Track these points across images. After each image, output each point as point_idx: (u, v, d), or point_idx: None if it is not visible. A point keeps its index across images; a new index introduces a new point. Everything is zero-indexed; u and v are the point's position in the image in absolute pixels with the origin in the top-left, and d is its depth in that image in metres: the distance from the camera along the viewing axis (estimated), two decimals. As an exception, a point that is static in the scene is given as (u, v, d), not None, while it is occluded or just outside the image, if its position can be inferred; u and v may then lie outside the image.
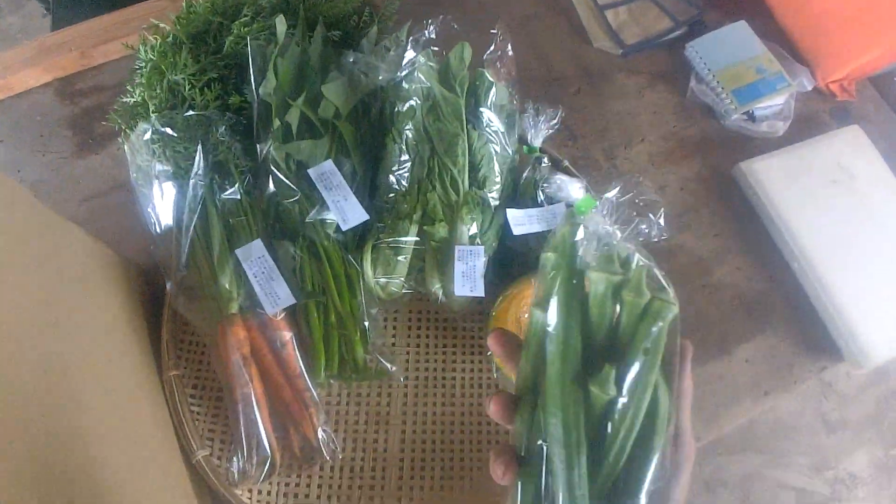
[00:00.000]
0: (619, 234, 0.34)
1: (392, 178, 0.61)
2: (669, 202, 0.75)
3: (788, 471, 1.43)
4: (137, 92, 0.65)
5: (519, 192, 0.64)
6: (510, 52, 0.65)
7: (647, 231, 0.58)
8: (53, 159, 0.78)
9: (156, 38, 0.67)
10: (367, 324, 0.60)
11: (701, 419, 0.65)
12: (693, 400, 0.62)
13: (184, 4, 0.70)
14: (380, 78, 0.65)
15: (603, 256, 0.32)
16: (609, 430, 0.31)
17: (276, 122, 0.62)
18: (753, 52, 0.80)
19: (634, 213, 0.59)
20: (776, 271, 0.73)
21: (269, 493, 0.57)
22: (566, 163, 0.69)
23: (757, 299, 0.72)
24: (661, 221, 0.58)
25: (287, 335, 0.59)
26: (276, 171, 0.60)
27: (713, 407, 0.66)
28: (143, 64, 0.67)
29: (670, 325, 0.31)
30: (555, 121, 0.65)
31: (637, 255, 0.33)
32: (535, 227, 0.61)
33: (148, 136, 0.60)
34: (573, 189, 0.49)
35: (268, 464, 0.56)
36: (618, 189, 0.59)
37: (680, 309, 0.62)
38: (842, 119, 0.83)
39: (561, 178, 0.43)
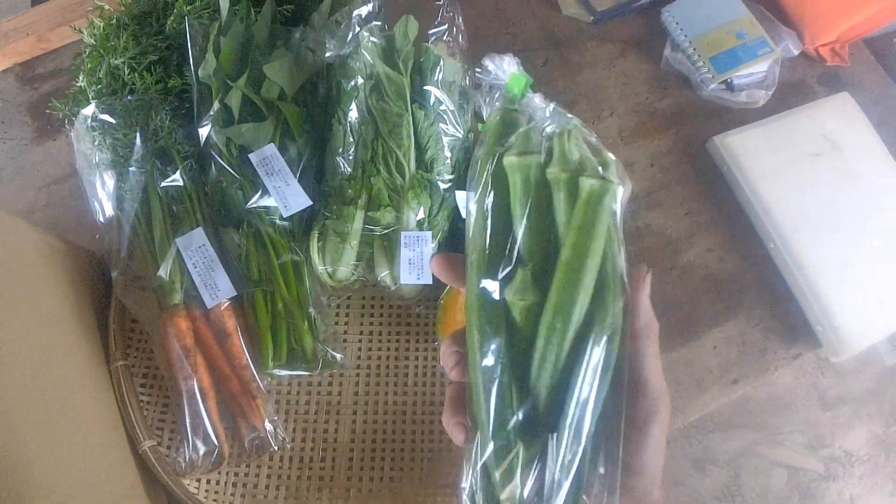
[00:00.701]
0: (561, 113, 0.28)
1: (338, 162, 0.59)
2: (638, 179, 0.71)
3: (782, 448, 1.41)
4: (81, 77, 0.64)
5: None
6: (461, 24, 0.62)
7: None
8: (13, 146, 0.77)
9: (101, 21, 0.65)
10: (314, 312, 0.59)
11: (666, 405, 0.63)
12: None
13: (129, -17, 0.67)
14: (327, 55, 0.62)
15: (521, 135, 0.27)
16: (537, 346, 0.26)
17: (217, 105, 0.59)
18: (734, 15, 0.75)
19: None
20: (750, 252, 0.69)
21: (217, 482, 0.57)
22: (523, 141, 0.66)
23: (728, 282, 0.69)
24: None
25: (233, 325, 0.58)
26: (216, 156, 0.59)
27: (679, 394, 0.64)
28: (89, 49, 0.65)
29: (607, 206, 0.26)
30: (509, 97, 0.62)
31: (569, 123, 0.27)
32: (485, 211, 0.58)
33: (88, 123, 0.59)
34: (505, 65, 0.34)
35: (216, 454, 0.56)
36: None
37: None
38: (831, 86, 0.78)
39: (493, 56, 0.31)
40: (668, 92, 0.76)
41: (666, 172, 0.72)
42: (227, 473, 0.58)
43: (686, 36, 0.75)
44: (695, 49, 0.74)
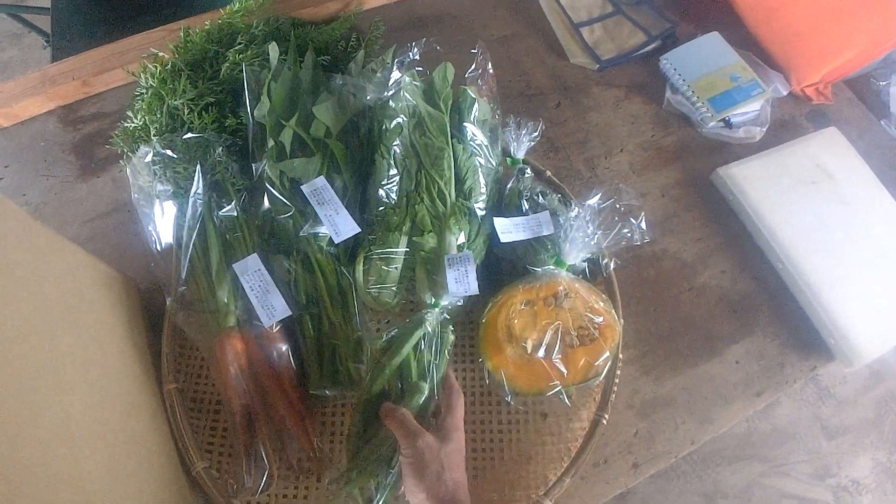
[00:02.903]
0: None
1: (381, 192, 0.64)
2: (651, 209, 0.77)
3: (790, 479, 1.42)
4: (139, 117, 0.68)
5: (504, 202, 0.67)
6: (490, 70, 0.68)
7: (629, 235, 0.61)
8: (57, 183, 0.80)
9: (155, 66, 0.70)
10: (360, 334, 0.62)
11: (695, 420, 0.67)
12: (684, 402, 0.66)
13: (181, 34, 0.73)
14: (367, 98, 0.68)
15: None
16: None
17: (271, 142, 0.64)
18: (727, 61, 0.83)
19: (616, 218, 0.61)
20: (760, 272, 0.75)
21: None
22: (549, 173, 0.71)
23: (743, 301, 0.73)
24: (643, 225, 0.60)
25: (282, 347, 0.60)
26: (270, 188, 0.63)
27: (706, 409, 0.67)
28: (144, 90, 0.70)
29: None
30: (536, 133, 0.68)
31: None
32: (521, 235, 0.63)
33: (149, 158, 0.63)
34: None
35: (265, 476, 0.57)
36: (599, 196, 0.62)
37: (667, 312, 0.71)
38: (819, 122, 0.86)
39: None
40: (671, 130, 0.83)
41: (676, 202, 0.78)
42: (275, 495, 0.59)
43: (684, 80, 0.83)
44: (693, 91, 0.82)
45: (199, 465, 0.57)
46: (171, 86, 0.67)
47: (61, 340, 0.47)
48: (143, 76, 0.70)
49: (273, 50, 0.69)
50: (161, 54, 0.73)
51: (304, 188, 0.63)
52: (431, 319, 0.58)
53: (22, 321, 0.43)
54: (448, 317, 0.60)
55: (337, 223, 0.62)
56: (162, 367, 0.60)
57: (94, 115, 0.86)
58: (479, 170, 0.64)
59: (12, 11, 1.22)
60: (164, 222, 0.62)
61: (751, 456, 1.43)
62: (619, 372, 0.62)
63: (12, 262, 0.44)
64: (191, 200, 0.61)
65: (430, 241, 0.62)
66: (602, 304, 0.60)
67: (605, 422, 0.60)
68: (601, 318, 0.60)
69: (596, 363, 0.59)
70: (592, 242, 0.60)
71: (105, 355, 0.54)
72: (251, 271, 0.59)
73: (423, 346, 0.57)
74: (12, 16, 1.21)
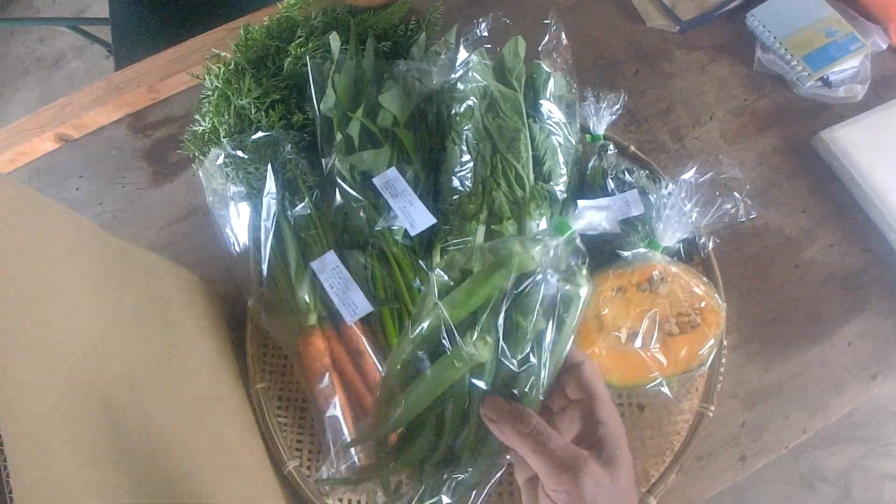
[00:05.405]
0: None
1: (455, 180, 0.61)
2: (748, 179, 0.71)
3: (893, 460, 1.32)
4: (207, 119, 0.68)
5: (587, 183, 0.63)
6: (564, 41, 0.64)
7: (732, 210, 0.55)
8: (132, 190, 0.82)
9: (219, 67, 0.70)
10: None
11: (806, 408, 0.62)
12: (793, 389, 0.59)
13: (241, 32, 0.73)
14: (433, 82, 0.65)
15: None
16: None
17: (339, 136, 0.63)
18: (820, 14, 0.75)
19: (717, 193, 0.56)
20: (872, 245, 0.67)
21: (358, 502, 0.57)
22: (633, 148, 0.66)
23: (854, 276, 0.66)
24: (748, 199, 0.55)
25: (364, 344, 0.59)
26: (342, 182, 0.61)
27: (818, 395, 0.62)
28: (210, 92, 0.70)
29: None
30: (617, 106, 0.63)
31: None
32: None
33: (220, 160, 0.63)
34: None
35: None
36: (694, 169, 0.57)
37: (771, 293, 0.63)
38: (926, 76, 0.77)
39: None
40: (764, 93, 0.76)
41: (775, 171, 0.71)
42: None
43: (775, 37, 0.75)
44: (786, 49, 0.74)
45: (290, 464, 0.56)
46: (236, 85, 0.66)
47: (153, 347, 0.48)
48: (207, 78, 0.70)
49: (334, 40, 0.67)
50: (223, 54, 0.73)
51: (375, 181, 0.61)
52: (541, 254, 0.34)
53: (115, 330, 0.43)
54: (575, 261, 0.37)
55: (412, 215, 0.59)
56: (248, 367, 0.61)
57: (162, 121, 0.87)
58: (558, 149, 0.60)
59: (72, 24, 1.26)
60: (239, 224, 0.61)
61: (850, 437, 1.33)
62: (723, 360, 0.57)
63: (85, 274, 0.44)
64: (265, 200, 0.60)
65: (509, 228, 0.59)
66: (703, 287, 0.56)
67: (710, 414, 0.56)
68: (703, 303, 0.55)
69: (700, 352, 0.54)
70: (690, 221, 0.55)
71: (193, 359, 0.55)
72: (329, 268, 0.58)
73: (531, 305, 0.35)
74: (73, 28, 1.25)
